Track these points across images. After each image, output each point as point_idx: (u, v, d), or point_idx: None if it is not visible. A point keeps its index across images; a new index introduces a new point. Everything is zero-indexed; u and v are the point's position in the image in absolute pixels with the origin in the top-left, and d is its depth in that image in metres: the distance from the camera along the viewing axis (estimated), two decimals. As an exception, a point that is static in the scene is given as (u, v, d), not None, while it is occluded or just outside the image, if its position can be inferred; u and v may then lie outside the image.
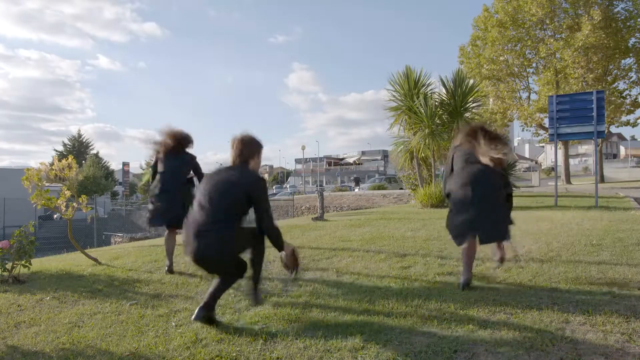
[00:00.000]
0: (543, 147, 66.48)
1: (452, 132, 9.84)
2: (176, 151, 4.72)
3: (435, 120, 10.67)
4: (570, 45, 22.80)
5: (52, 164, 5.26)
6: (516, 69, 26.13)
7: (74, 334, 3.00)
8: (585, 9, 23.29)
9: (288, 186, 59.12)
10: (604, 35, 22.16)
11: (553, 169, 37.47)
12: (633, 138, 73.63)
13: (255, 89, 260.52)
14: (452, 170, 3.85)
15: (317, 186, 52.54)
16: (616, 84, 24.99)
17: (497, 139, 3.68)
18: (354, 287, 3.70)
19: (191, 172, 4.80)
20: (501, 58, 25.32)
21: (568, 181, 26.92)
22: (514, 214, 3.91)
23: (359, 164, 74.34)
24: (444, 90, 11.39)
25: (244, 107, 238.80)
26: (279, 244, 3.07)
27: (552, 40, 24.55)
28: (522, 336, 2.53)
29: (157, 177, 4.71)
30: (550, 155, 61.50)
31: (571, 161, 37.32)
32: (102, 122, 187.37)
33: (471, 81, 11.97)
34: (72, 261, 5.74)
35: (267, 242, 3.07)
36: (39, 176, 5.05)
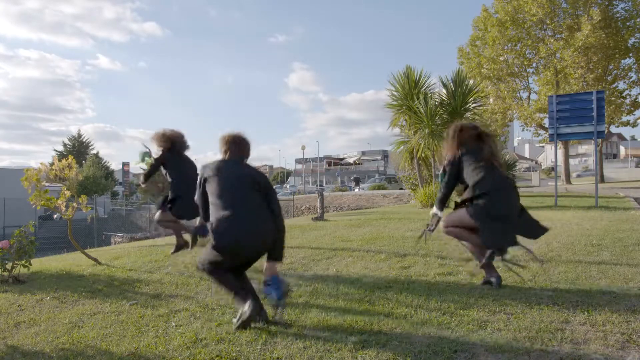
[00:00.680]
0: (543, 147, 66.51)
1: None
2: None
3: (436, 120, 10.67)
4: (570, 45, 22.82)
5: (52, 164, 5.26)
6: (516, 69, 26.16)
7: (74, 334, 3.00)
8: (584, 9, 23.32)
9: (288, 186, 59.16)
10: (603, 35, 22.18)
11: (553, 169, 37.48)
12: (633, 138, 73.74)
13: (255, 88, 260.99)
14: (457, 176, 3.64)
15: (317, 186, 52.62)
16: (616, 84, 25.03)
17: (490, 136, 3.69)
18: (354, 288, 3.70)
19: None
20: (501, 58, 25.35)
21: (568, 181, 26.94)
22: None
23: (359, 164, 74.33)
24: (444, 91, 11.40)
25: (244, 107, 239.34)
26: (282, 246, 3.00)
27: (552, 40, 24.57)
28: (522, 336, 2.53)
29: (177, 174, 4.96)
30: (550, 155, 61.54)
31: (571, 161, 37.33)
32: (102, 122, 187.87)
33: (471, 81, 11.97)
34: (72, 261, 5.75)
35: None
36: (38, 177, 5.05)
